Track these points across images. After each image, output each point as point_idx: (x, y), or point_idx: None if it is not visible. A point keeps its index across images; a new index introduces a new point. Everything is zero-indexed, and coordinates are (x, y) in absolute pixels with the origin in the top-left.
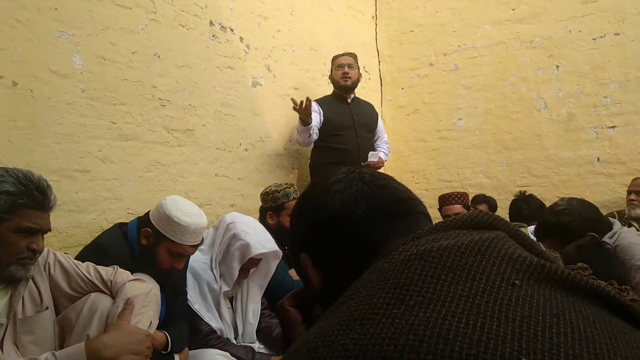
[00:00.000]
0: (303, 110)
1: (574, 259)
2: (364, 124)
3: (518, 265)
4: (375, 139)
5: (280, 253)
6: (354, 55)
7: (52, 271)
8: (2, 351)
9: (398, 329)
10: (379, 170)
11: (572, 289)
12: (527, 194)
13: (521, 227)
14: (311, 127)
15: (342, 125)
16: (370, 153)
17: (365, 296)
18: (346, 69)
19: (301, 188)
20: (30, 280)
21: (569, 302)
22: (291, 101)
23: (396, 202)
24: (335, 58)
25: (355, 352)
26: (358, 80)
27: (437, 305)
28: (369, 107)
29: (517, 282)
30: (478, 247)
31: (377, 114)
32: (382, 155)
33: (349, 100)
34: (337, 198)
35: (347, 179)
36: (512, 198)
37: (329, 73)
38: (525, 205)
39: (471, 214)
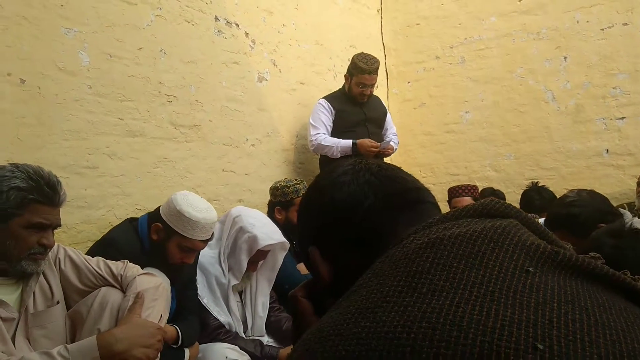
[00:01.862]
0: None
1: (604, 245)
2: (374, 120)
3: (532, 253)
4: (383, 131)
5: (288, 244)
6: (377, 69)
7: (62, 266)
8: (14, 345)
9: (411, 317)
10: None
11: (586, 275)
12: (539, 184)
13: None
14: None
15: (353, 122)
16: (382, 142)
17: (377, 285)
18: (368, 91)
19: (309, 183)
20: (41, 275)
21: (584, 289)
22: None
23: (405, 192)
24: (359, 70)
25: (368, 339)
26: (372, 92)
27: (450, 292)
28: (377, 101)
29: (531, 269)
30: (491, 235)
31: (385, 107)
32: (392, 144)
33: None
34: (345, 190)
35: (353, 171)
36: (521, 191)
37: (349, 75)
38: (537, 196)
39: (483, 202)
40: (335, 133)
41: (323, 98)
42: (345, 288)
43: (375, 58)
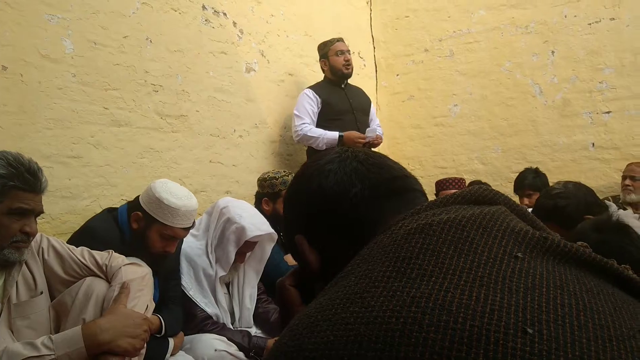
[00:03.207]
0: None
1: (588, 238)
2: (361, 108)
3: (520, 238)
4: (369, 121)
5: (276, 235)
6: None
7: (46, 256)
8: None
9: (400, 302)
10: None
11: (575, 261)
12: (537, 169)
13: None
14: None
15: (340, 110)
16: (368, 129)
17: (365, 270)
18: (348, 56)
19: None
20: (24, 265)
21: (572, 275)
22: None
23: (392, 180)
24: (328, 44)
25: (357, 324)
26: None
27: (439, 277)
28: (361, 91)
29: (519, 254)
30: (479, 221)
31: (369, 98)
32: (379, 131)
33: (343, 86)
34: (332, 178)
35: (340, 159)
36: (508, 183)
37: (324, 59)
38: (533, 174)
39: (472, 189)
40: (322, 122)
41: (308, 88)
42: (334, 275)
43: None
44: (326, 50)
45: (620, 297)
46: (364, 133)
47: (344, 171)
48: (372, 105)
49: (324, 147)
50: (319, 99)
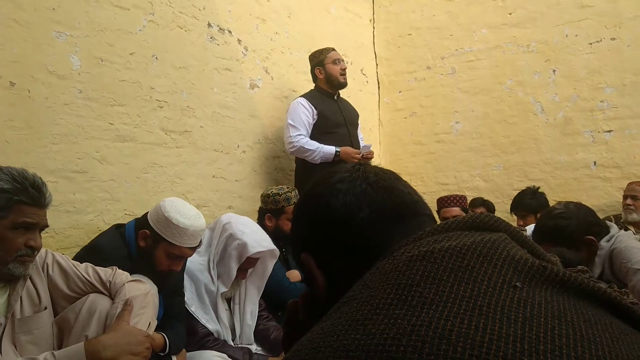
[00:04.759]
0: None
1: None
2: (352, 122)
3: (520, 267)
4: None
5: (277, 252)
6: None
7: (50, 272)
8: (0, 351)
9: (400, 330)
10: (383, 168)
11: (573, 291)
12: (538, 189)
13: (522, 230)
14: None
15: (335, 123)
16: (362, 145)
17: (367, 297)
18: (344, 65)
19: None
20: (29, 280)
21: (571, 304)
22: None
23: (400, 206)
24: (324, 52)
25: (358, 352)
26: None
27: (439, 306)
28: (350, 104)
29: (518, 284)
30: (480, 249)
31: (356, 110)
32: (371, 149)
33: (335, 97)
34: (340, 199)
35: (350, 179)
36: (509, 201)
37: (319, 67)
38: (530, 195)
39: (473, 215)
40: (316, 134)
41: (302, 97)
42: (339, 296)
43: None
44: (322, 58)
45: (618, 327)
46: (356, 147)
47: (353, 193)
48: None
49: (319, 162)
50: (314, 110)
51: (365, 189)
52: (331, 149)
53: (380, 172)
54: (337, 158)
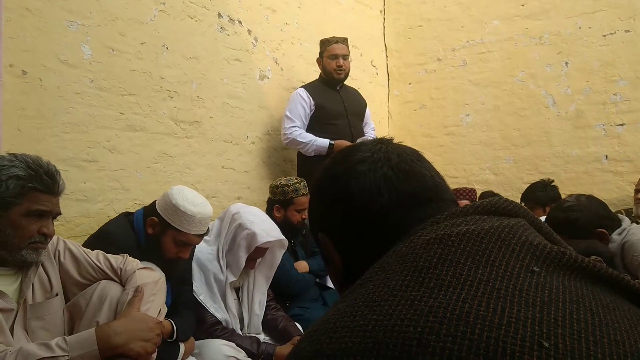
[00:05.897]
0: None
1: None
2: (355, 113)
3: (538, 253)
4: (363, 125)
5: (286, 242)
6: (346, 42)
7: (62, 258)
8: (12, 336)
9: (417, 311)
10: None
11: (591, 277)
12: (552, 182)
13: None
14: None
15: (335, 114)
16: (359, 139)
17: (384, 279)
18: (341, 61)
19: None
20: (40, 267)
21: (588, 290)
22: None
23: (421, 191)
24: (326, 43)
25: (375, 332)
26: (349, 70)
27: (456, 288)
28: (357, 93)
29: (536, 268)
30: (498, 233)
31: (365, 100)
32: (371, 136)
33: (338, 88)
34: (360, 181)
35: (372, 160)
36: (520, 194)
37: (319, 57)
38: (540, 188)
39: (492, 199)
40: (314, 125)
41: (302, 87)
42: (356, 276)
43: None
44: (322, 50)
45: (636, 314)
46: (357, 138)
47: (373, 176)
48: (367, 108)
49: (313, 154)
50: (312, 102)
51: (386, 172)
52: (325, 142)
53: (403, 152)
54: (331, 151)
